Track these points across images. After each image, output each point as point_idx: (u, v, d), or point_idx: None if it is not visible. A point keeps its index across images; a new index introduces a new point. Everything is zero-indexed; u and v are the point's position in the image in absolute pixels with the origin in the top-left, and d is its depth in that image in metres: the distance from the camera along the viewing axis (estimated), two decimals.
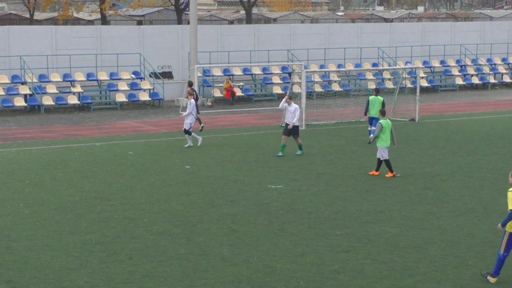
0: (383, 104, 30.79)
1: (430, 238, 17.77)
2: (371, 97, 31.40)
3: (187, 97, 31.68)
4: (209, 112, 41.72)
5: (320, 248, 17.05)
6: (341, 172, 25.23)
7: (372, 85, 48.97)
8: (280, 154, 27.65)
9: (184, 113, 30.85)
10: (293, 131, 27.69)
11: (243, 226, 18.88)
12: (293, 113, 27.57)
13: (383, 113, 25.16)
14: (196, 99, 31.35)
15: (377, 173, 24.85)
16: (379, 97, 31.24)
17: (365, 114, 31.38)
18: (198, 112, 31.08)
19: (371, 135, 29.67)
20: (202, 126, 32.98)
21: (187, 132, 30.02)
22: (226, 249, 17.02)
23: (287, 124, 27.77)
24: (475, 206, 20.76)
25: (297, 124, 27.84)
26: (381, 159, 24.73)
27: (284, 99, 28.15)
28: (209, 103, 43.89)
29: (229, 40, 48.28)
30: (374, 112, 30.50)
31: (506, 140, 31.49)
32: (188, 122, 30.02)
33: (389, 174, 24.60)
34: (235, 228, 18.71)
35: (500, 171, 25.28)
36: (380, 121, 24.75)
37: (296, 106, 27.87)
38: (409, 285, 14.70)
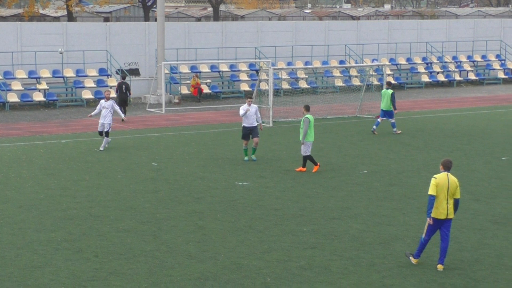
0: (392, 97, 32.42)
1: (396, 234, 17.88)
2: (382, 91, 33.39)
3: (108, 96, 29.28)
4: (176, 109, 41.62)
5: (287, 245, 17.08)
6: (308, 168, 25.27)
7: (339, 82, 49.18)
8: (247, 158, 26.50)
9: (93, 113, 29.21)
10: (255, 132, 26.36)
11: (210, 223, 18.86)
12: (254, 114, 26.33)
13: (307, 108, 25.03)
14: (124, 91, 30.93)
15: (317, 166, 24.93)
16: (388, 90, 32.92)
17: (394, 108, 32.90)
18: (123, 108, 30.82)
19: (394, 129, 32.52)
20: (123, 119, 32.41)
21: (105, 133, 28.54)
22: (193, 246, 16.99)
23: (246, 128, 26.35)
24: None
25: (255, 124, 26.43)
26: (303, 154, 24.78)
27: (245, 105, 26.43)
28: (176, 100, 43.77)
29: (197, 37, 48.17)
30: (383, 105, 32.63)
31: (471, 137, 31.76)
32: (108, 123, 28.57)
33: (301, 169, 24.86)
34: (202, 225, 18.68)
35: (465, 168, 25.50)
36: (307, 116, 24.73)
37: (256, 106, 26.70)
38: (375, 281, 14.78)
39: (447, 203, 15.29)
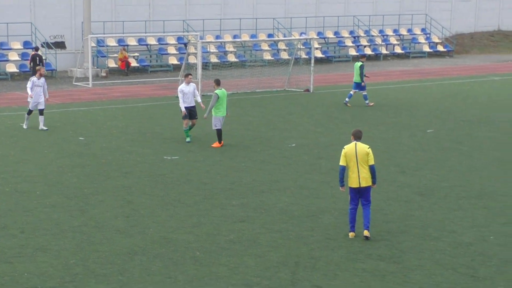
0: (361, 69, 32.80)
1: (324, 207, 18.06)
2: (355, 63, 33.62)
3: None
4: (104, 83, 41.12)
5: (216, 219, 17.10)
6: (236, 142, 25.30)
7: (267, 56, 49.23)
8: (189, 139, 25.21)
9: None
10: (193, 113, 25.34)
11: (138, 197, 18.75)
12: (193, 93, 25.23)
13: (217, 82, 24.79)
14: (37, 63, 29.60)
15: (221, 144, 24.65)
16: (358, 62, 33.35)
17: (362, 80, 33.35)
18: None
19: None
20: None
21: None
22: (121, 220, 16.88)
23: (187, 108, 25.07)
24: None
25: (194, 104, 25.46)
26: (213, 128, 24.62)
27: (182, 85, 25.32)
28: (103, 74, 43.24)
29: (124, 10, 47.53)
30: (355, 77, 33.17)
31: (397, 110, 32.20)
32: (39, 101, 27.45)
33: (216, 144, 24.62)
34: (131, 199, 18.56)
35: (392, 141, 25.85)
36: (216, 91, 24.49)
37: (194, 85, 25.66)
38: (303, 253, 14.91)
39: (358, 172, 15.54)
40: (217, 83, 24.78)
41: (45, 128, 27.31)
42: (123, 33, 46.39)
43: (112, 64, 44.81)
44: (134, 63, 45.44)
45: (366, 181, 15.60)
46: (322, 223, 16.82)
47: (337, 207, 18.03)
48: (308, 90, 37.91)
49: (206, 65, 43.20)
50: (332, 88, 39.28)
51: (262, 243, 15.52)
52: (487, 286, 13.38)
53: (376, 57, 54.63)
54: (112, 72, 44.32)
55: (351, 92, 33.44)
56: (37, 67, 28.74)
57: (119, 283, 13.41)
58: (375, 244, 15.45)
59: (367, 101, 33.32)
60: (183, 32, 48.48)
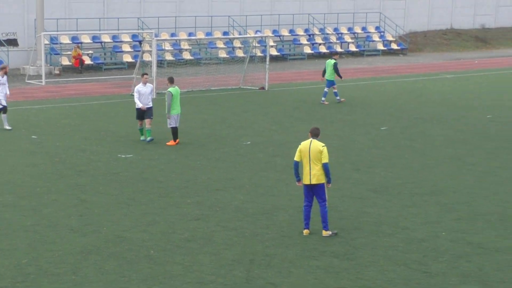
0: (335, 67, 33.43)
1: (279, 205, 18.11)
2: (327, 61, 34.49)
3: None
4: (57, 80, 40.76)
5: (171, 217, 17.06)
6: (191, 140, 25.26)
7: (222, 54, 49.20)
8: (143, 138, 24.91)
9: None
10: (149, 113, 24.80)
11: (92, 196, 18.62)
12: (150, 94, 24.85)
13: (171, 80, 24.70)
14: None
15: (176, 142, 24.53)
16: (330, 60, 34.06)
17: (323, 76, 34.33)
18: None
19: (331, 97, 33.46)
20: None
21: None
22: (75, 220, 16.75)
23: (140, 108, 24.70)
24: None
25: (151, 104, 24.98)
26: (168, 126, 24.51)
27: (139, 85, 24.87)
28: (57, 72, 42.86)
29: (78, 7, 47.11)
30: (327, 74, 33.78)
31: (351, 108, 32.40)
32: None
33: (171, 142, 24.50)
34: (84, 198, 18.43)
35: (346, 138, 26.02)
36: (169, 89, 24.35)
37: (151, 85, 25.40)
38: (258, 251, 14.94)
39: (310, 169, 15.61)
40: (171, 81, 24.69)
41: (8, 127, 26.80)
42: (76, 30, 46.01)
43: (65, 61, 44.42)
44: (88, 61, 45.10)
45: (317, 179, 15.64)
46: (277, 221, 16.87)
47: (292, 204, 18.09)
48: (263, 88, 37.97)
49: (161, 63, 43.01)
50: (287, 86, 39.40)
51: (217, 241, 15.52)
52: (439, 282, 13.54)
53: (331, 55, 54.77)
54: (65, 70, 43.93)
55: (326, 90, 33.76)
56: (2, 65, 28.29)
57: (72, 282, 13.31)
58: (329, 241, 15.54)
59: (338, 97, 33.74)
60: (138, 29, 48.22)
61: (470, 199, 18.72)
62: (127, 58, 46.56)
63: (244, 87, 38.52)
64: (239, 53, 49.44)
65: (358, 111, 31.57)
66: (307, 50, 53.82)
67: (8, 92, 27.45)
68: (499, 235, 16.05)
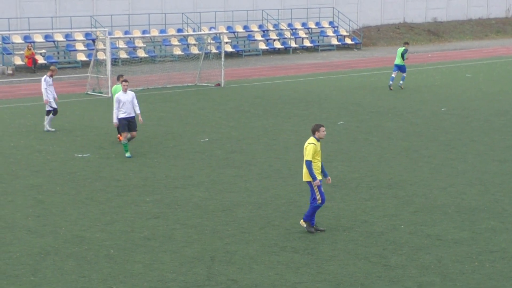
0: (403, 52, 36.60)
1: (238, 201, 18.11)
2: (398, 48, 37.79)
3: None
4: (10, 80, 40.27)
5: (130, 216, 16.96)
6: (149, 138, 25.14)
7: (177, 51, 49.03)
8: (129, 154, 22.45)
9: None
10: (133, 124, 22.58)
11: (49, 196, 18.44)
12: (132, 102, 22.42)
13: (118, 78, 24.20)
14: None
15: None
16: (401, 47, 37.25)
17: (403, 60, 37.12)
18: None
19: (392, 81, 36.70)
20: None
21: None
22: (32, 220, 16.57)
23: (123, 119, 22.30)
24: (280, 167, 21.33)
25: (133, 114, 22.72)
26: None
27: (120, 93, 22.45)
28: (10, 72, 42.33)
29: (29, 6, 46.60)
30: (397, 60, 36.90)
31: (308, 103, 32.51)
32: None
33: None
34: (41, 199, 18.24)
35: (303, 133, 26.08)
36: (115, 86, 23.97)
37: (133, 93, 22.76)
38: (218, 248, 14.92)
39: (303, 166, 15.78)
40: (119, 79, 24.27)
41: (52, 129, 26.41)
42: (28, 29, 45.49)
43: (18, 61, 43.90)
44: (41, 60, 44.61)
45: (304, 176, 15.74)
46: (237, 217, 16.87)
47: (251, 200, 18.10)
48: (219, 85, 37.93)
49: (115, 61, 42.73)
50: (243, 82, 39.40)
51: (177, 238, 15.47)
52: (399, 274, 13.65)
53: (286, 50, 55.00)
54: (18, 70, 43.42)
55: (393, 75, 36.69)
56: (51, 67, 27.55)
57: (31, 283, 13.16)
58: (289, 237, 15.58)
59: (402, 82, 36.84)
60: (91, 28, 47.83)
61: (427, 191, 18.90)
62: (81, 57, 46.18)
63: (200, 84, 38.44)
64: (194, 50, 49.31)
65: (314, 106, 31.69)
66: (262, 46, 53.88)
67: (55, 95, 26.80)
68: (456, 226, 16.23)
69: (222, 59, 38.70)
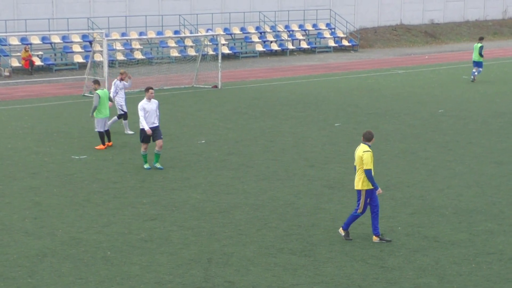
0: (480, 49, 38.56)
1: (235, 203, 18.10)
2: (474, 44, 39.64)
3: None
4: (7, 82, 40.23)
5: (127, 217, 16.95)
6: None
7: (174, 53, 49.01)
8: (148, 166, 21.44)
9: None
10: (158, 133, 21.39)
11: (46, 198, 18.42)
12: (155, 111, 21.35)
13: (98, 82, 24.13)
14: None
15: (104, 146, 23.87)
16: (477, 43, 39.13)
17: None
18: None
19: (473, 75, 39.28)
20: None
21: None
22: (30, 222, 16.56)
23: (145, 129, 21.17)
24: (278, 169, 21.33)
25: (158, 123, 21.62)
26: (95, 130, 23.94)
27: (144, 101, 21.36)
28: (7, 73, 42.28)
29: (26, 7, 46.55)
30: (474, 56, 39.17)
31: (305, 105, 32.51)
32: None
33: (100, 146, 23.82)
34: (38, 200, 18.23)
35: (300, 135, 26.10)
36: (97, 91, 23.74)
37: (157, 102, 21.69)
38: (215, 250, 14.92)
39: (355, 174, 15.43)
40: (98, 83, 24.12)
41: (131, 132, 26.31)
42: (26, 31, 45.44)
43: (15, 63, 43.86)
44: (38, 62, 44.56)
45: (356, 184, 15.39)
46: (234, 219, 16.86)
47: (248, 202, 18.10)
48: (216, 87, 37.91)
49: (112, 63, 42.71)
50: (240, 84, 39.39)
51: (174, 240, 15.46)
52: (396, 276, 13.65)
53: (283, 52, 54.99)
54: (15, 72, 43.37)
55: (473, 70, 39.20)
56: (122, 70, 27.31)
57: (28, 285, 13.16)
58: (286, 238, 15.58)
59: (476, 74, 39.14)
60: (88, 29, 47.79)
61: (424, 193, 18.91)
62: (78, 59, 46.13)
63: (197, 86, 38.42)
64: (191, 52, 49.29)
65: (311, 108, 31.69)
66: (259, 47, 53.87)
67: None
68: (454, 228, 16.24)
69: (219, 60, 38.69)
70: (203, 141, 25.05)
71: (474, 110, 31.18)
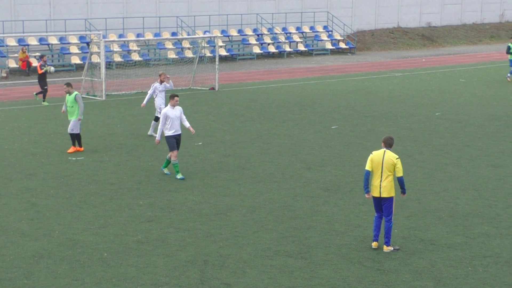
0: (508, 49, 40.61)
1: (232, 205, 18.11)
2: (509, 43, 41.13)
3: None
4: (4, 83, 40.23)
5: (123, 219, 16.95)
6: (142, 142, 25.14)
7: (171, 54, 49.01)
8: (181, 176, 20.61)
9: None
10: (179, 142, 21.00)
11: (43, 199, 18.42)
12: (180, 117, 20.78)
13: (69, 85, 23.71)
14: None
15: (76, 149, 23.60)
16: (510, 43, 40.83)
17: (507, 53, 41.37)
18: None
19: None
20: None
21: None
22: (26, 223, 16.55)
23: (171, 137, 20.57)
24: (274, 171, 21.34)
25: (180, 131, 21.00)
26: (69, 131, 23.66)
27: (168, 107, 20.73)
28: (4, 74, 42.28)
29: (23, 9, 46.57)
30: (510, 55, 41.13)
31: (302, 107, 32.53)
32: None
33: (72, 149, 23.54)
34: (35, 202, 18.22)
35: (297, 137, 26.12)
36: (75, 93, 23.51)
37: (181, 108, 20.98)
38: (212, 252, 14.93)
39: (380, 181, 14.98)
40: (71, 85, 23.64)
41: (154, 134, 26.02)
42: (23, 32, 45.45)
43: (12, 64, 43.86)
44: (35, 63, 44.54)
45: (387, 192, 14.97)
46: (230, 221, 16.87)
47: (245, 204, 18.11)
48: (213, 88, 37.93)
49: (109, 65, 42.75)
50: (237, 86, 39.41)
51: (171, 242, 15.47)
52: (393, 279, 13.67)
53: (280, 54, 55.05)
54: (13, 73, 43.37)
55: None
56: (161, 73, 27.26)
57: (24, 287, 13.15)
58: (283, 241, 15.59)
59: (509, 75, 40.93)
60: (85, 31, 47.82)
61: (421, 196, 18.93)
62: (75, 60, 46.15)
63: (194, 87, 38.44)
64: (188, 54, 49.32)
65: (308, 110, 31.71)
66: (256, 50, 53.92)
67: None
68: (450, 231, 16.26)
69: (217, 63, 38.71)
70: (200, 143, 25.06)
71: (470, 113, 31.22)
